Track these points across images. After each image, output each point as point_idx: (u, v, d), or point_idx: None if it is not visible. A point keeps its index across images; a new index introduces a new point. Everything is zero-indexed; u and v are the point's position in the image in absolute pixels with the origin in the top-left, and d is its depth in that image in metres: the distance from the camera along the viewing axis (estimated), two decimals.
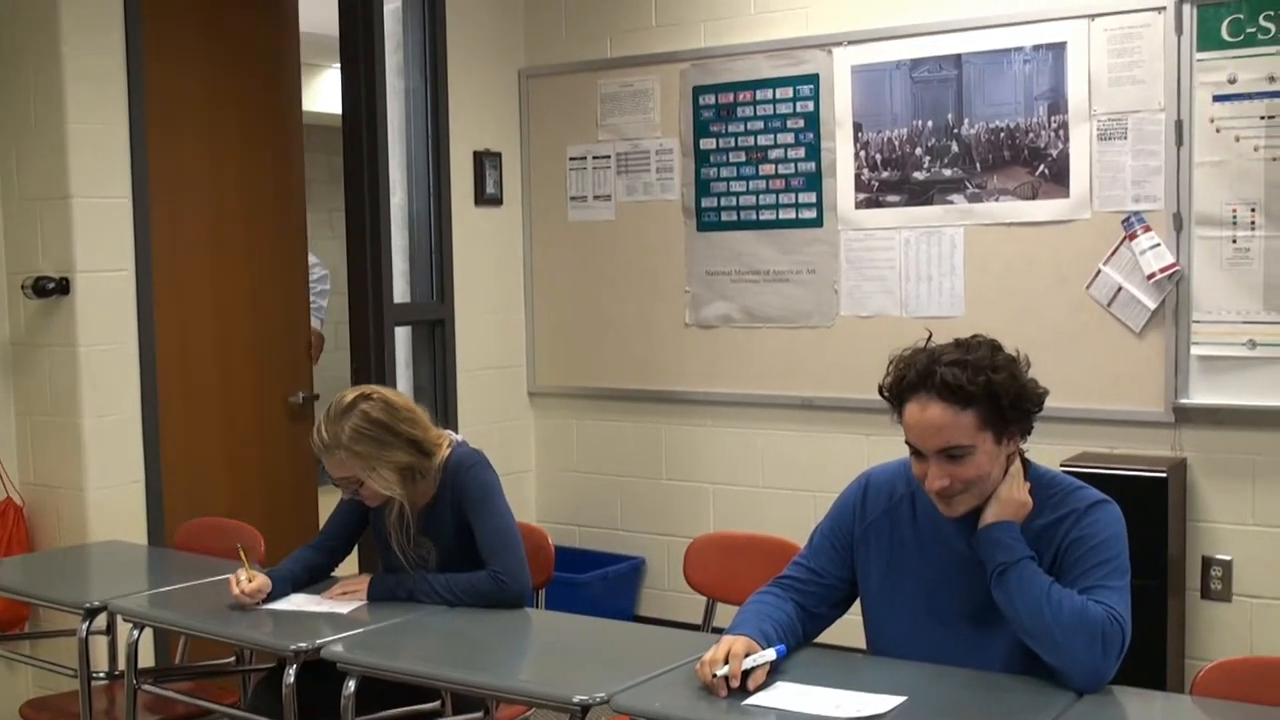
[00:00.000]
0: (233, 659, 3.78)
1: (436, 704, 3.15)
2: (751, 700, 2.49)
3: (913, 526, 2.74)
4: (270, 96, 5.14)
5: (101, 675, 3.79)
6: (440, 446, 3.40)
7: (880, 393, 2.68)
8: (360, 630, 3.10)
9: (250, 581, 3.28)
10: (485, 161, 5.77)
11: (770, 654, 2.59)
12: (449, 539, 3.40)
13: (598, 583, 5.49)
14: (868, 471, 2.87)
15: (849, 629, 2.90)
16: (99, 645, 3.89)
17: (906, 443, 2.64)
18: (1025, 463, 2.69)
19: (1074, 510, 2.61)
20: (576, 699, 2.59)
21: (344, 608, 3.27)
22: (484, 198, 5.78)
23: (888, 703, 2.45)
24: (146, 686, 3.47)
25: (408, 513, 3.36)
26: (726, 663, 2.54)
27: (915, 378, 2.59)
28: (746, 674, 2.54)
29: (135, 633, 3.32)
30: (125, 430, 4.54)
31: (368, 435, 3.29)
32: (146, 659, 4.21)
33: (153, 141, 4.61)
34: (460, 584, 3.29)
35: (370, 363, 5.30)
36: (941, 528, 2.70)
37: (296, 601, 3.34)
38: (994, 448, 2.59)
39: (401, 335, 5.49)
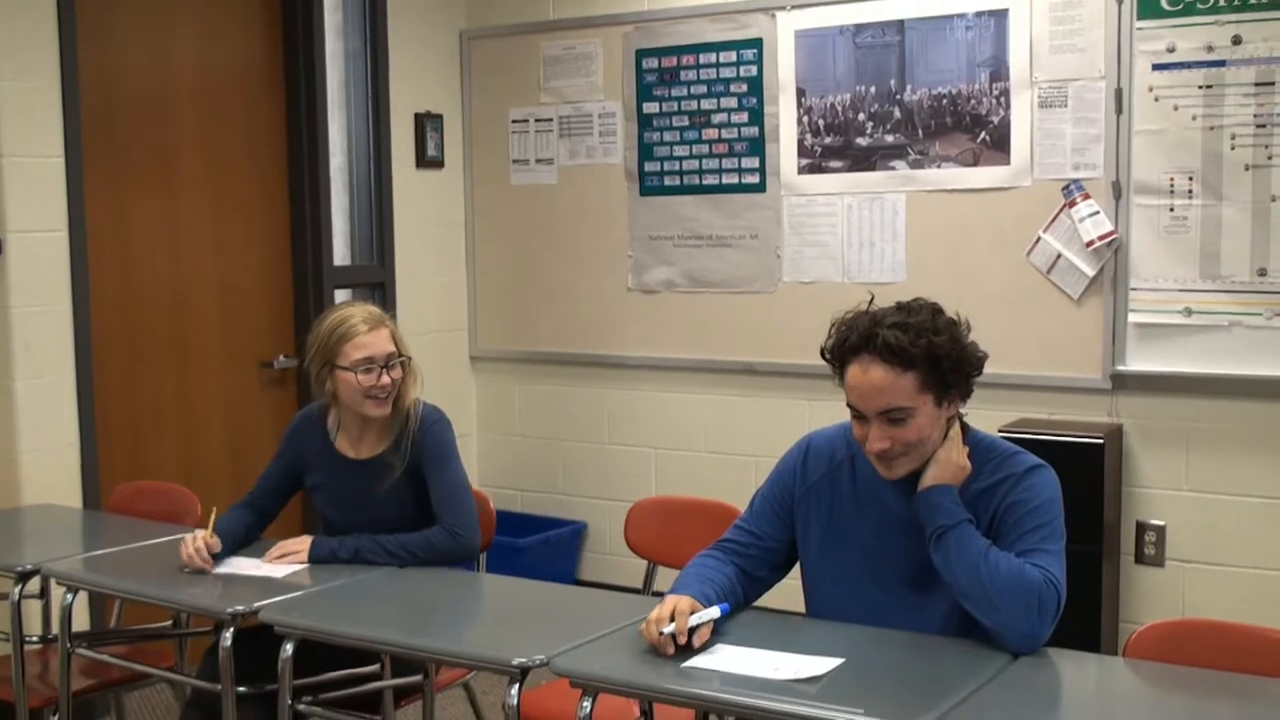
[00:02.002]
0: (169, 623, 3.75)
1: (376, 667, 3.14)
2: (690, 662, 2.50)
3: (852, 490, 2.76)
4: (229, 44, 5.07)
5: (35, 639, 3.75)
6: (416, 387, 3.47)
7: (822, 354, 2.68)
8: (299, 593, 3.08)
9: (211, 538, 3.26)
10: (426, 124, 5.72)
11: (714, 611, 2.61)
12: (397, 491, 3.39)
13: (539, 547, 5.49)
14: (809, 435, 2.88)
15: (788, 592, 2.91)
16: (32, 609, 3.86)
17: (848, 404, 2.65)
18: (964, 427, 2.71)
19: (1011, 474, 2.63)
20: (516, 662, 2.60)
21: (281, 571, 3.25)
22: (425, 160, 5.73)
23: (825, 664, 2.46)
24: (81, 650, 3.44)
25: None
26: (672, 620, 2.54)
27: (857, 340, 2.60)
28: (691, 632, 2.55)
29: (69, 596, 3.29)
30: (59, 393, 4.47)
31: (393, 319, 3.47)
32: (81, 623, 4.17)
33: (90, 98, 4.53)
34: (412, 541, 3.30)
35: (311, 326, 5.24)
36: (881, 491, 2.71)
37: (235, 564, 3.31)
38: (934, 410, 2.61)
39: (342, 298, 5.43)
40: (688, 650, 2.54)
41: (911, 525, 2.64)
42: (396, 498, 3.41)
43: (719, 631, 2.64)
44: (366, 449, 3.45)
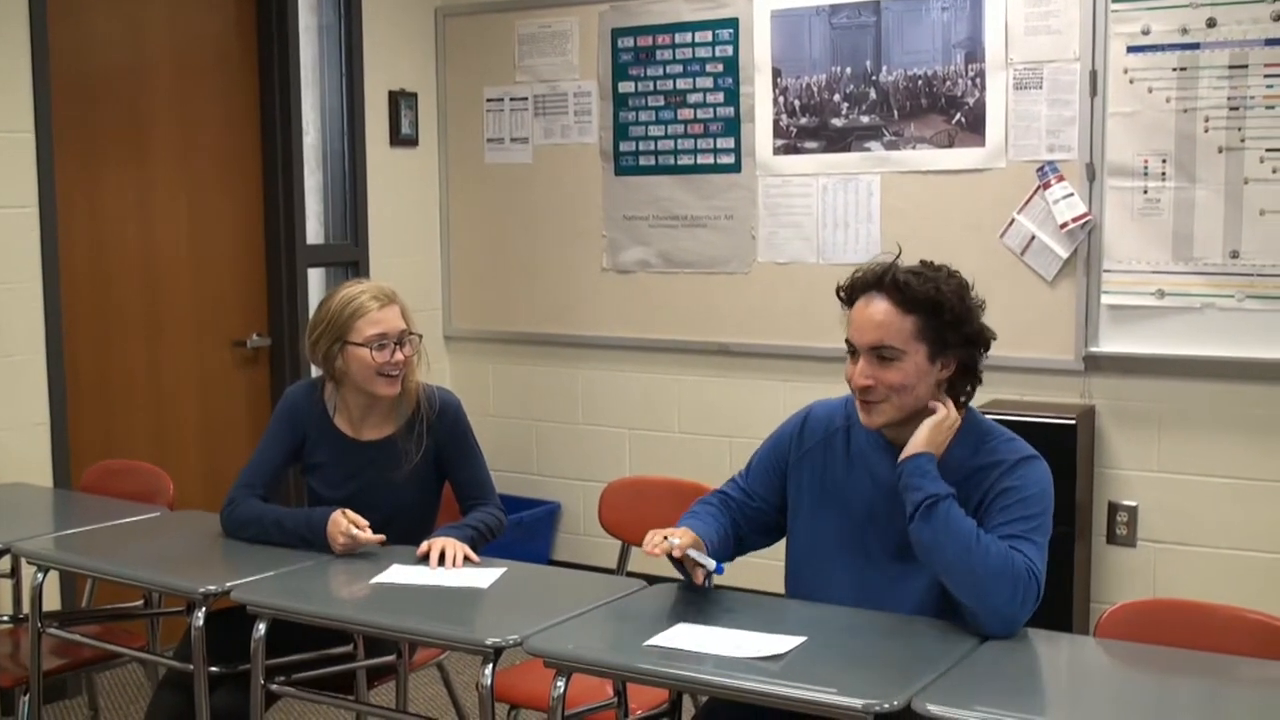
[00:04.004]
0: (140, 602, 3.73)
1: (349, 647, 3.13)
2: (652, 641, 2.51)
3: (845, 457, 2.77)
4: (202, 19, 5.04)
5: (5, 618, 3.73)
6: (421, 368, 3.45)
7: (837, 293, 2.74)
8: (272, 573, 3.06)
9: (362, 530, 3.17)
10: (401, 102, 5.69)
11: (711, 563, 2.66)
12: (417, 475, 3.38)
13: (513, 527, 5.43)
14: (811, 404, 2.90)
15: (766, 572, 2.92)
16: (3, 589, 3.84)
17: (846, 340, 2.68)
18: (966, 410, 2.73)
19: (1006, 460, 2.63)
20: (489, 641, 2.59)
21: (483, 579, 3.02)
22: (399, 138, 5.71)
23: (787, 643, 2.47)
24: (52, 630, 3.42)
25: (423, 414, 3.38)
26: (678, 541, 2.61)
27: (870, 277, 2.67)
28: (685, 564, 2.64)
29: (40, 575, 3.26)
30: (29, 371, 4.44)
31: None
32: (52, 602, 4.15)
33: (60, 73, 4.49)
34: (490, 520, 3.34)
35: (284, 304, 5.24)
36: (873, 460, 2.72)
37: (404, 574, 3.03)
38: (925, 363, 2.62)
39: (315, 277, 5.41)
40: (683, 574, 2.63)
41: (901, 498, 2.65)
42: (417, 482, 3.39)
43: (682, 607, 2.67)
44: (370, 430, 3.41)
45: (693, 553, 2.63)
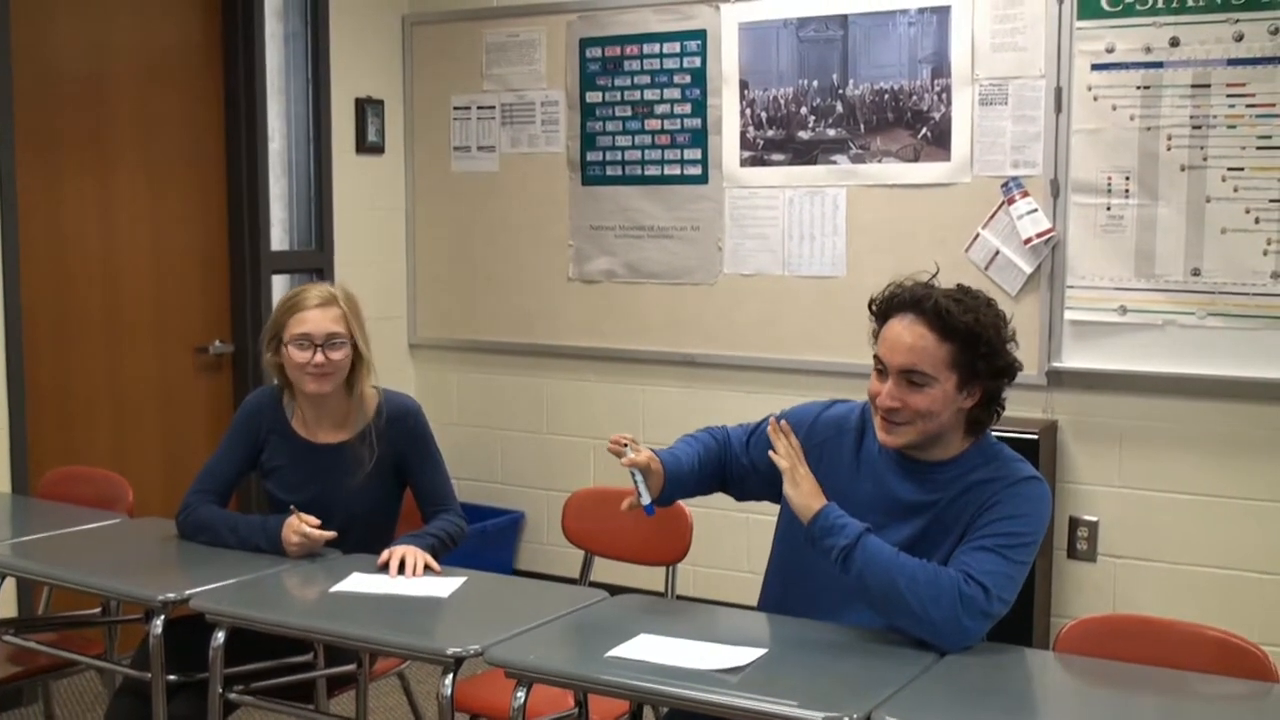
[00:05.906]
0: (98, 609, 3.70)
1: (309, 656, 3.11)
2: (614, 652, 2.51)
3: (854, 460, 2.77)
4: (167, 23, 5.00)
5: None
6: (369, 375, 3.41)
7: (870, 306, 2.73)
8: (231, 581, 3.04)
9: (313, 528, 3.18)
10: (367, 109, 5.68)
11: (646, 499, 2.75)
12: (373, 481, 3.37)
13: (476, 536, 5.44)
14: (835, 400, 2.90)
15: (739, 584, 2.91)
16: None
17: (875, 356, 2.68)
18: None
19: (1005, 478, 2.65)
20: (450, 651, 2.59)
21: (443, 588, 3.01)
22: (365, 146, 5.69)
23: (747, 655, 2.48)
24: (8, 637, 3.39)
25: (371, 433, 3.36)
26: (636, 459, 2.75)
27: (909, 298, 2.67)
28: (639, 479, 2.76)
29: None
30: None
31: (355, 303, 3.38)
32: (8, 609, 4.11)
33: (22, 75, 4.46)
34: (450, 528, 3.33)
35: (247, 310, 5.21)
36: (883, 468, 2.73)
37: (362, 583, 3.01)
38: (953, 392, 2.63)
39: (279, 283, 5.38)
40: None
41: (903, 505, 2.67)
42: (376, 488, 3.38)
43: (644, 618, 2.68)
44: (325, 434, 3.39)
45: (637, 475, 2.74)
